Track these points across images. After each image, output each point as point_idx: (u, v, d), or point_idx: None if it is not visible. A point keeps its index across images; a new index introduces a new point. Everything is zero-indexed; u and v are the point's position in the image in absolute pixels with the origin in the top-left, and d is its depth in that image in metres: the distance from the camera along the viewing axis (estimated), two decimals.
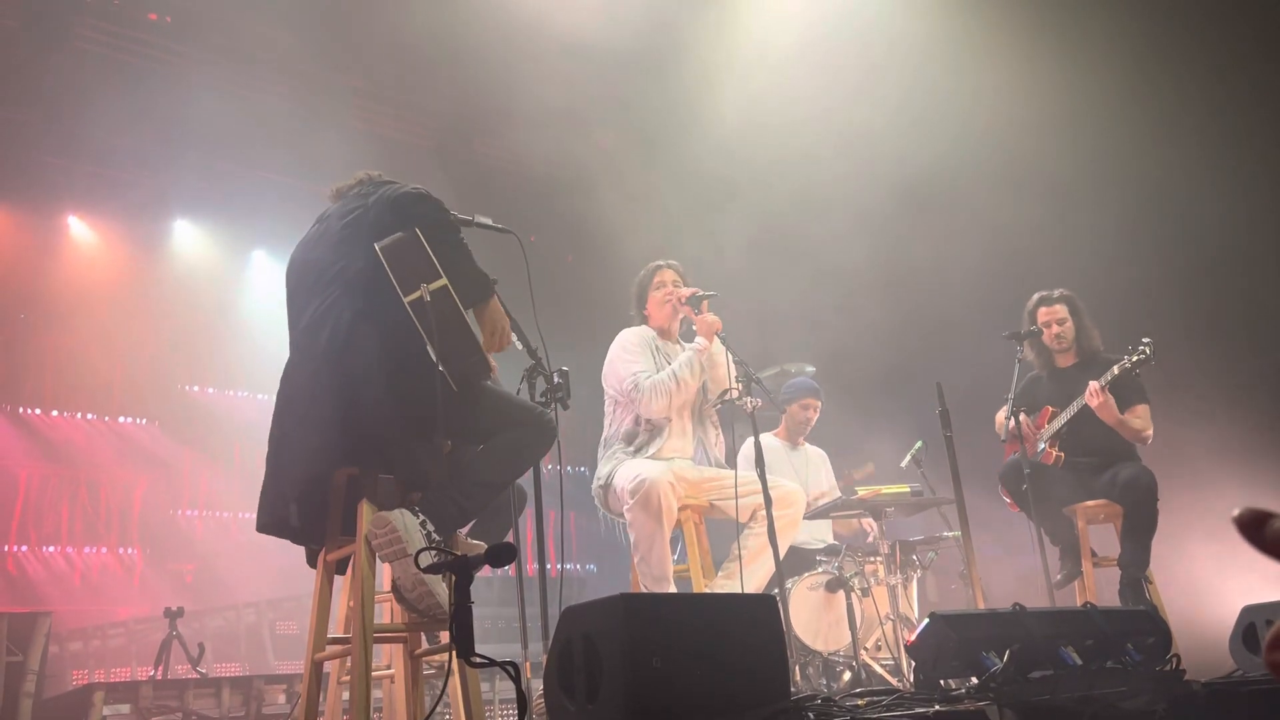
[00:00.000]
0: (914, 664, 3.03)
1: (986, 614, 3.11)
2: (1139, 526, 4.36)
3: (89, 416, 7.90)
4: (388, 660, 3.69)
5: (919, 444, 5.21)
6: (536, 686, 3.25)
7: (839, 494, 5.29)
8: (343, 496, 2.81)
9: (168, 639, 4.88)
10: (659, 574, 3.90)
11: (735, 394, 4.11)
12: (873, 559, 4.80)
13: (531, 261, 3.15)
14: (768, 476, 3.92)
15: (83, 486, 7.71)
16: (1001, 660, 2.76)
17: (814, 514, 4.86)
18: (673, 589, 3.92)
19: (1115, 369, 4.41)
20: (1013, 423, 4.56)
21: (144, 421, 8.09)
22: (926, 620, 2.88)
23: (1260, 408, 5.81)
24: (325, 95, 7.72)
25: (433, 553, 2.26)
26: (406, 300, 2.64)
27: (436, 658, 3.30)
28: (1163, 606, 4.20)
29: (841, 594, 4.46)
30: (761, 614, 2.46)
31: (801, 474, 5.47)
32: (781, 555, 3.86)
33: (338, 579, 2.95)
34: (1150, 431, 4.56)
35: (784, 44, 6.90)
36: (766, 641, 2.42)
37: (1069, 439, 4.62)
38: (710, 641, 2.30)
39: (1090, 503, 4.57)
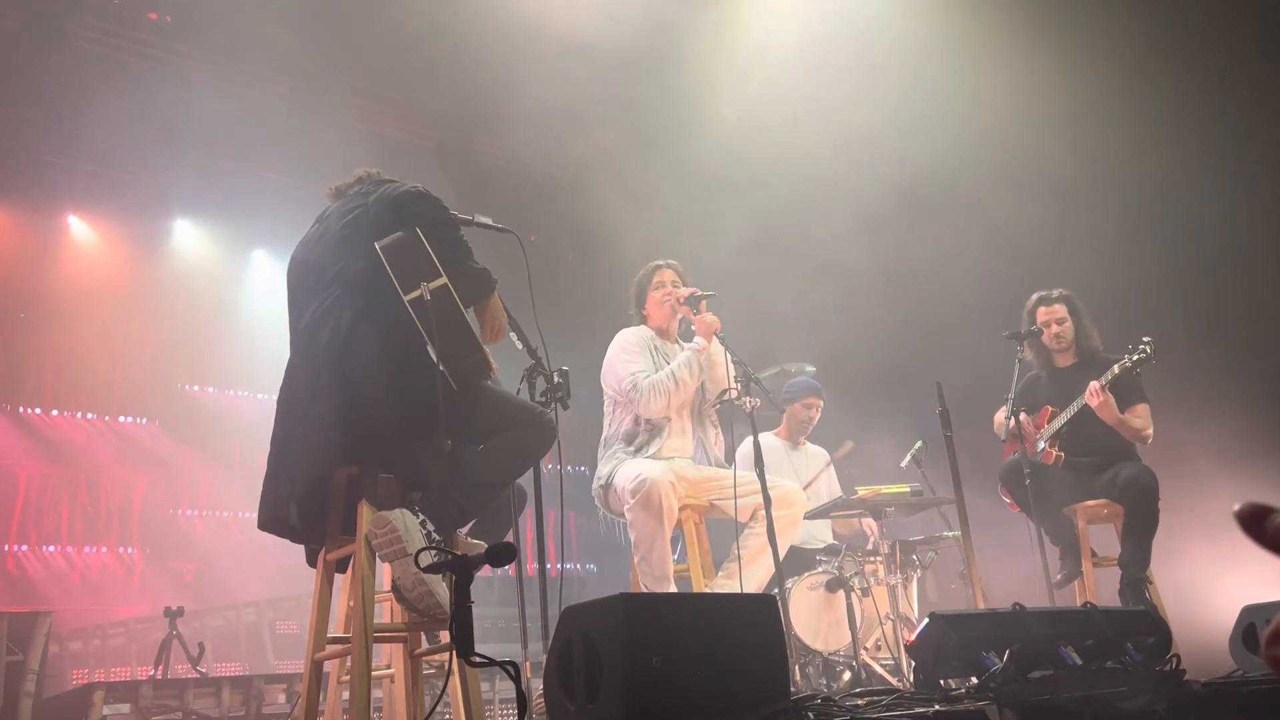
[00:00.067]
0: (914, 664, 3.03)
1: (986, 614, 3.11)
2: (1139, 526, 4.36)
3: (89, 416, 7.90)
4: (388, 660, 3.69)
5: (919, 444, 5.21)
6: (536, 686, 3.25)
7: (840, 493, 5.30)
8: (343, 496, 2.81)
9: (168, 638, 4.88)
10: (660, 574, 3.90)
11: (734, 394, 4.11)
12: (873, 559, 4.80)
13: (531, 261, 3.15)
14: (767, 476, 3.92)
15: (83, 486, 7.71)
16: (1001, 660, 2.76)
17: (814, 514, 4.86)
18: (673, 589, 3.92)
19: (1116, 368, 4.41)
20: (1012, 423, 4.57)
21: (144, 421, 8.09)
22: (926, 620, 2.88)
23: (1260, 408, 5.81)
24: (325, 95, 7.71)
25: (433, 552, 2.26)
26: (407, 299, 2.64)
27: (436, 657, 3.30)
28: (1163, 606, 4.20)
29: (841, 594, 4.46)
30: (761, 614, 2.46)
31: (802, 474, 5.47)
32: (782, 555, 3.86)
33: (338, 578, 2.95)
34: (1150, 431, 4.56)
35: (784, 43, 6.89)
36: (766, 641, 2.42)
37: (1069, 439, 4.62)
38: (710, 641, 2.31)
39: (1090, 502, 4.57)
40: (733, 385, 4.12)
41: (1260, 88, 5.97)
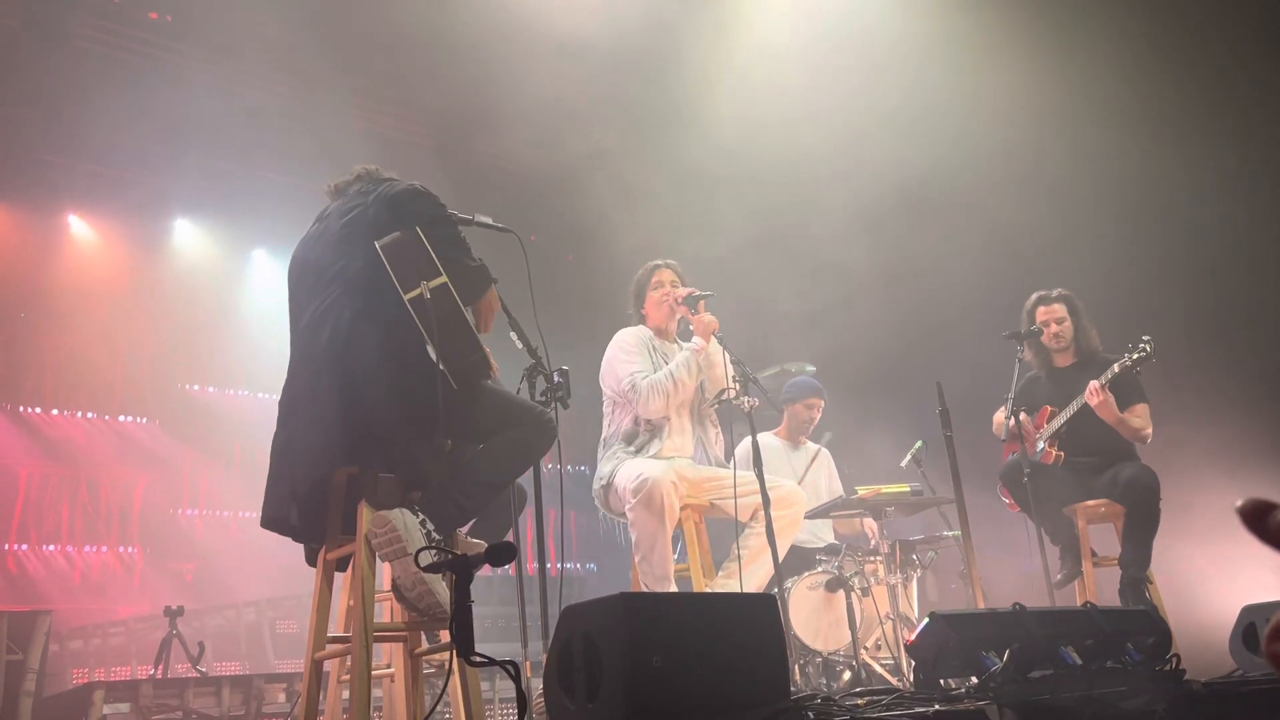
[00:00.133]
0: (914, 663, 3.03)
1: (986, 614, 3.11)
2: (1140, 526, 4.36)
3: (89, 415, 7.90)
4: (388, 659, 3.69)
5: (919, 444, 5.21)
6: (536, 686, 3.25)
7: (840, 492, 5.30)
8: (343, 496, 2.81)
9: (168, 638, 4.87)
10: (661, 573, 3.90)
11: (732, 394, 4.11)
12: (873, 558, 4.80)
13: (531, 261, 3.15)
14: (766, 476, 3.92)
15: (83, 485, 7.71)
16: (1001, 660, 2.76)
17: (814, 513, 4.86)
18: (674, 588, 3.92)
19: (1116, 367, 4.41)
20: (1012, 422, 4.57)
21: (144, 420, 8.09)
22: (926, 620, 2.88)
23: (1260, 408, 5.81)
24: (325, 94, 7.70)
25: (433, 552, 2.26)
26: (406, 298, 2.64)
27: (436, 657, 3.30)
28: (1163, 606, 4.20)
29: (841, 593, 4.46)
30: (761, 614, 2.46)
31: (801, 473, 5.47)
32: (782, 555, 3.86)
33: (338, 578, 2.95)
34: (1150, 430, 4.56)
35: (783, 43, 6.89)
36: (766, 641, 2.42)
37: (1068, 438, 4.62)
38: (710, 641, 2.31)
39: (1090, 502, 4.57)
40: (731, 385, 4.12)
41: (1260, 87, 5.97)
